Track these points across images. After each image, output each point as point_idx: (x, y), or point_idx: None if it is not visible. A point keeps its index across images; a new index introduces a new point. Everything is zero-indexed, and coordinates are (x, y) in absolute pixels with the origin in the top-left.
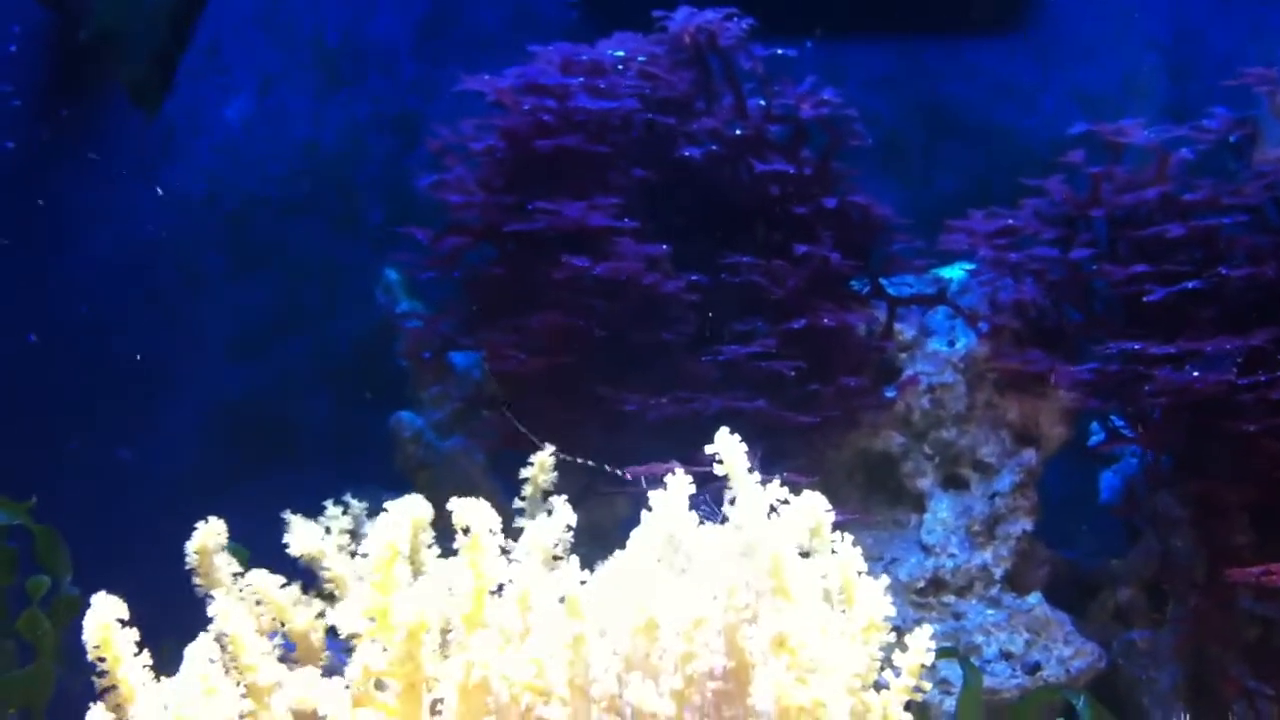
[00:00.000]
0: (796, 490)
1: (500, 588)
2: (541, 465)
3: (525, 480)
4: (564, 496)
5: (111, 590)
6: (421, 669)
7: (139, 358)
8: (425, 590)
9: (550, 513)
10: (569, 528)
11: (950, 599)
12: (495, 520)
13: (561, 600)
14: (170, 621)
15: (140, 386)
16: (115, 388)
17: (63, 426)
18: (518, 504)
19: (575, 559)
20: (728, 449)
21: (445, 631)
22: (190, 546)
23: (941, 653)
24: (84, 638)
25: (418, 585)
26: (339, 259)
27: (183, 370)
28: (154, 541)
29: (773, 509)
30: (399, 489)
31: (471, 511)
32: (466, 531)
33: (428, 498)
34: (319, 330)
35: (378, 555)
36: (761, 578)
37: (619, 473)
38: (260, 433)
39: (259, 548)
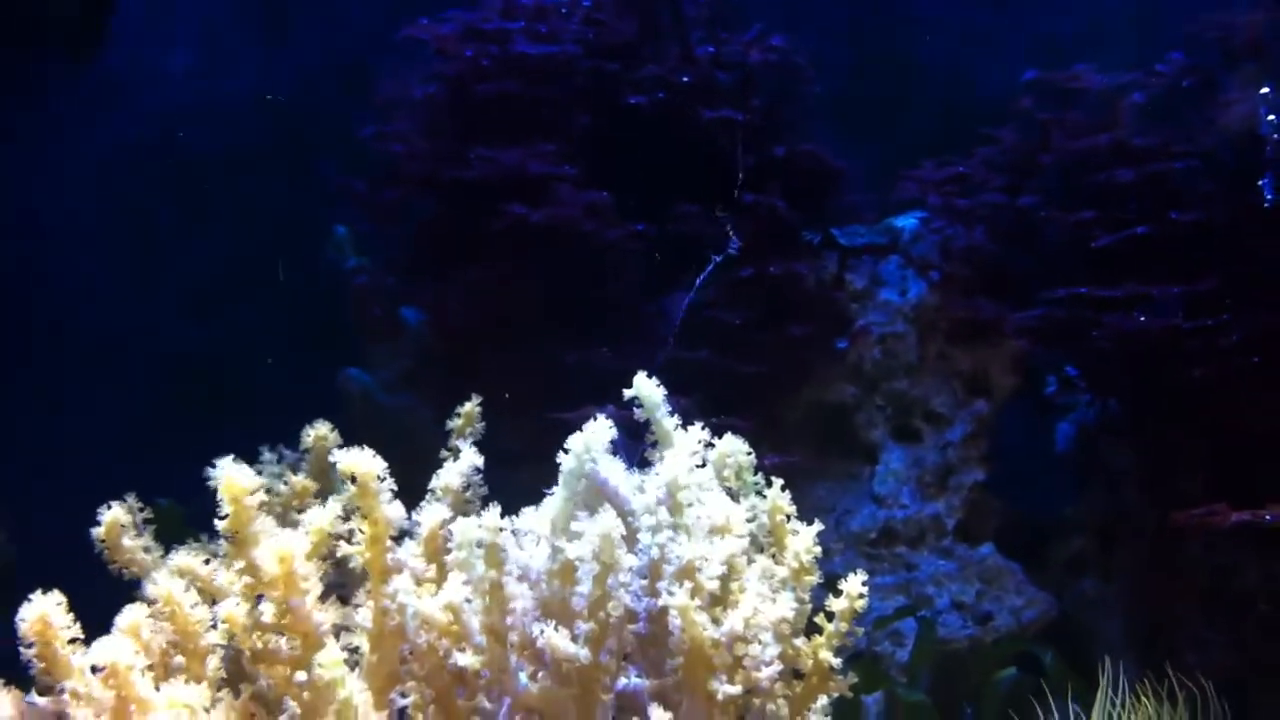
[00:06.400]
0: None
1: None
2: (468, 416)
3: (450, 432)
4: (469, 440)
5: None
6: (307, 621)
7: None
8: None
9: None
10: (478, 470)
11: (902, 550)
12: (381, 466)
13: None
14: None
15: (82, 342)
16: (56, 343)
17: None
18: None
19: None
20: (645, 390)
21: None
22: (98, 534)
23: (899, 612)
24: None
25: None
26: (291, 215)
27: (127, 327)
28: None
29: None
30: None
31: (355, 461)
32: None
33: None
34: (271, 288)
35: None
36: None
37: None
38: (208, 391)
39: (197, 505)
